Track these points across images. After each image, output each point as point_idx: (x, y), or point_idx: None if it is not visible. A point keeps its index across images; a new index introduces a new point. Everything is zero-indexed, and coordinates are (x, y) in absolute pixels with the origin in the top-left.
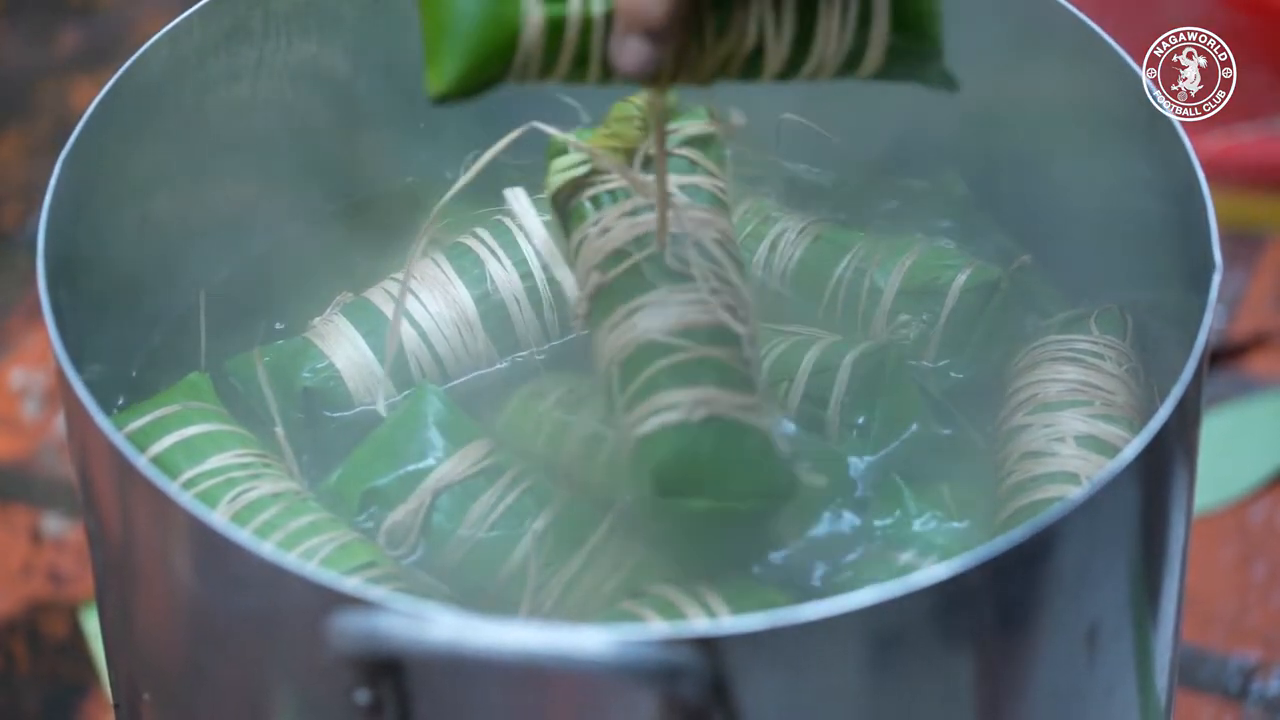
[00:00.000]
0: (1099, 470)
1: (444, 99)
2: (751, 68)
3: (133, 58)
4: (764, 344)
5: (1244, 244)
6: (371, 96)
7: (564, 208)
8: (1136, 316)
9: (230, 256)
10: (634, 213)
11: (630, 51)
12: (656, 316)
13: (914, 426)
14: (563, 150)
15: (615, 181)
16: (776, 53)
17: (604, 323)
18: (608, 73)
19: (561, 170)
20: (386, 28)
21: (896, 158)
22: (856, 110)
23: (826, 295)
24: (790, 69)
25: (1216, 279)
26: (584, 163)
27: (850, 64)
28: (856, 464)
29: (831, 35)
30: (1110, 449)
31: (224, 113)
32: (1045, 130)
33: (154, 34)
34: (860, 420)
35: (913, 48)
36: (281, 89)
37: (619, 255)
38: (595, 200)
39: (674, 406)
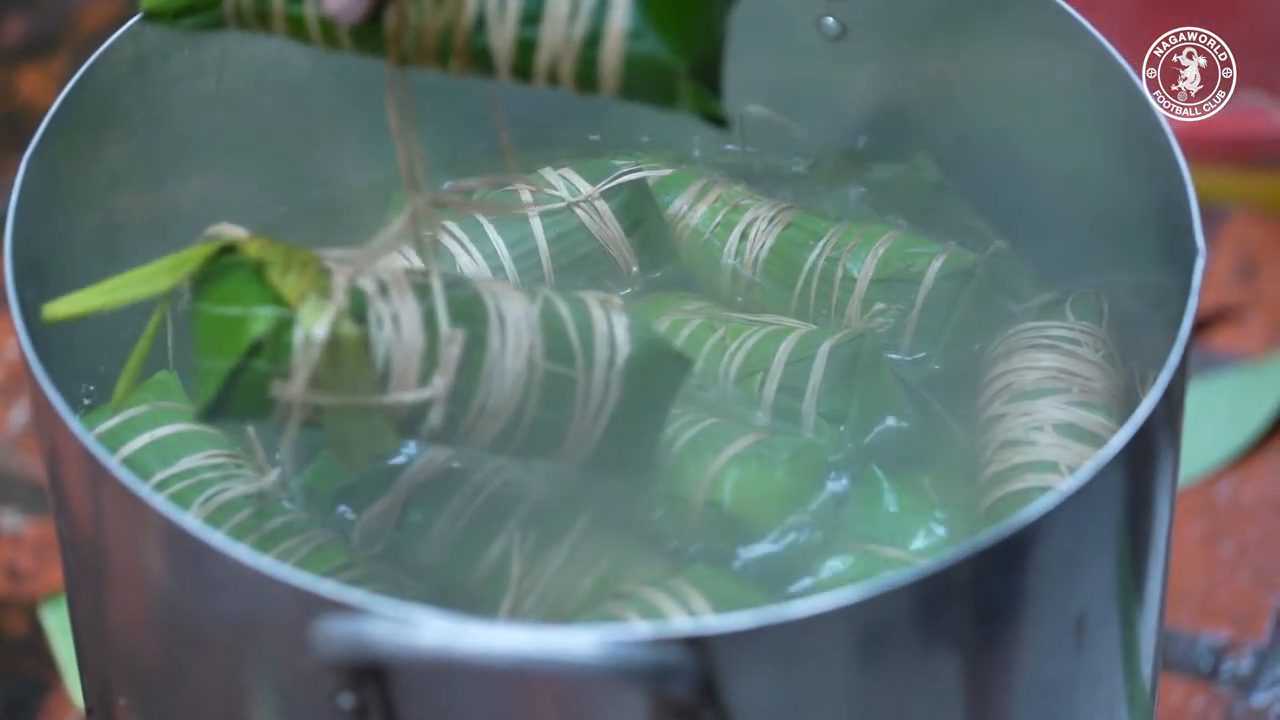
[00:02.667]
0: (1078, 458)
1: (151, 15)
2: (480, 53)
3: (96, 53)
4: (737, 335)
5: (1205, 218)
6: (333, 94)
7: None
8: (1114, 299)
9: None
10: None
11: None
12: None
13: (892, 417)
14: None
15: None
16: (501, 32)
17: None
18: (329, 29)
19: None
20: None
21: (868, 143)
22: (825, 97)
23: (799, 284)
24: (522, 58)
25: (1200, 264)
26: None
27: (588, 66)
28: (834, 456)
29: (560, 21)
30: (1089, 436)
31: (188, 109)
32: (1020, 112)
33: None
34: (838, 409)
35: (660, 65)
36: (246, 85)
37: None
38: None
39: None
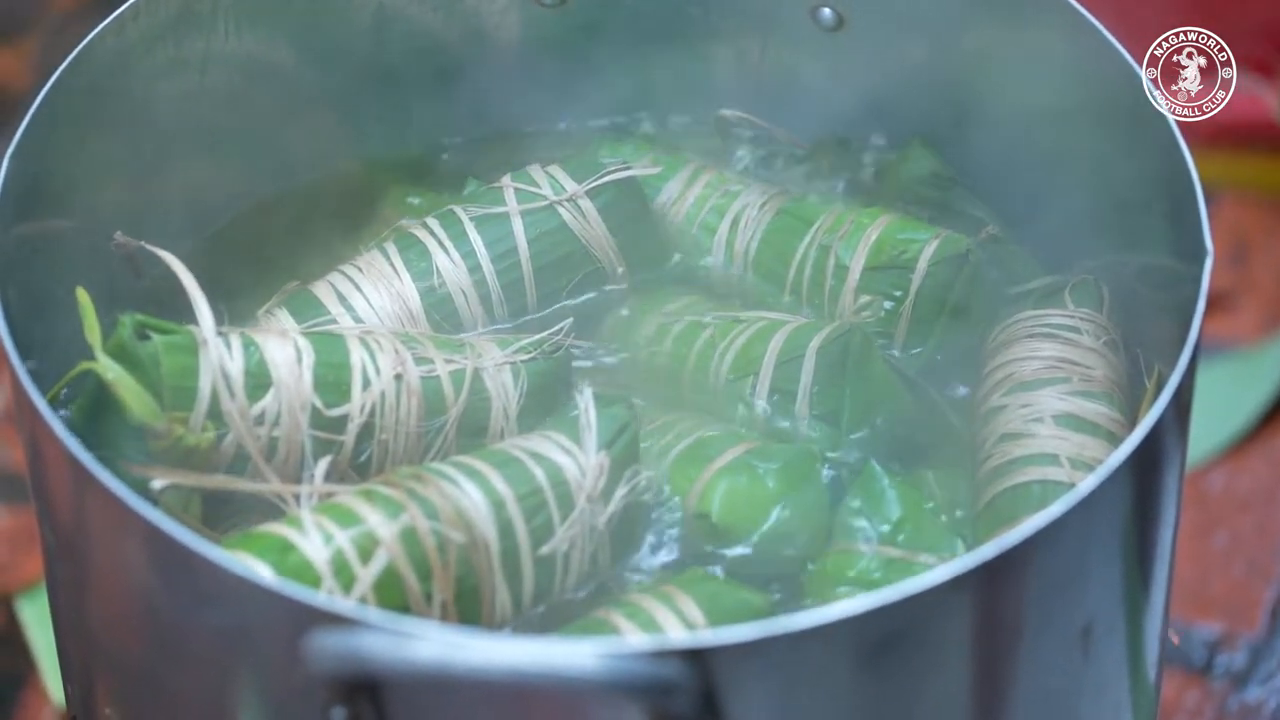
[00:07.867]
0: (1079, 449)
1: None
2: None
3: (78, 48)
4: (726, 334)
5: None
6: (319, 83)
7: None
8: (1116, 283)
9: (180, 246)
10: None
11: None
12: None
13: (887, 411)
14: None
15: None
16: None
17: None
18: None
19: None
20: (330, 15)
21: (864, 131)
22: (821, 86)
23: (791, 274)
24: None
25: (1209, 265)
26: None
27: None
28: (831, 455)
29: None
30: (1090, 426)
31: (173, 103)
32: (1018, 100)
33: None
34: (831, 408)
35: None
36: (230, 79)
37: None
38: None
39: None
